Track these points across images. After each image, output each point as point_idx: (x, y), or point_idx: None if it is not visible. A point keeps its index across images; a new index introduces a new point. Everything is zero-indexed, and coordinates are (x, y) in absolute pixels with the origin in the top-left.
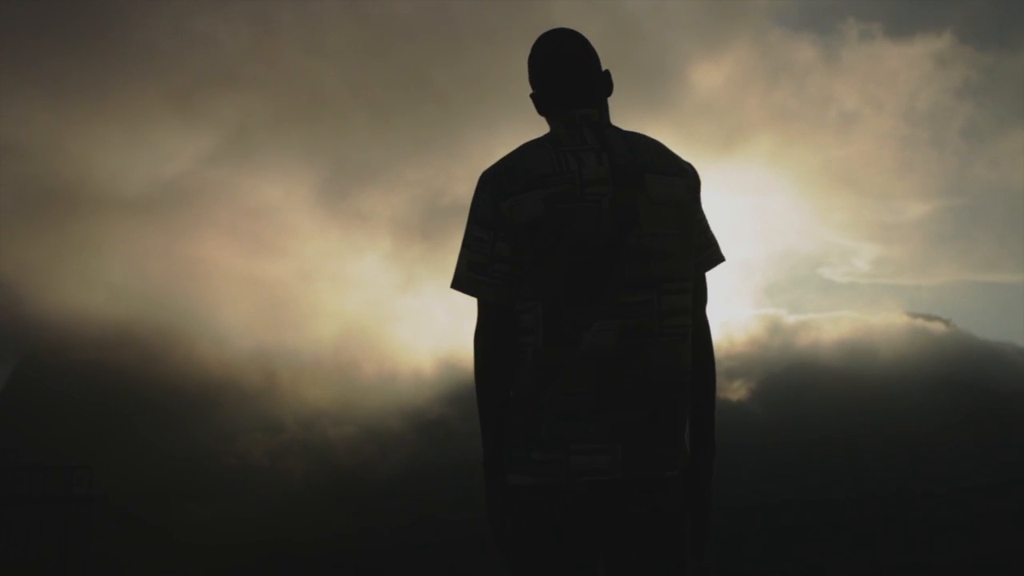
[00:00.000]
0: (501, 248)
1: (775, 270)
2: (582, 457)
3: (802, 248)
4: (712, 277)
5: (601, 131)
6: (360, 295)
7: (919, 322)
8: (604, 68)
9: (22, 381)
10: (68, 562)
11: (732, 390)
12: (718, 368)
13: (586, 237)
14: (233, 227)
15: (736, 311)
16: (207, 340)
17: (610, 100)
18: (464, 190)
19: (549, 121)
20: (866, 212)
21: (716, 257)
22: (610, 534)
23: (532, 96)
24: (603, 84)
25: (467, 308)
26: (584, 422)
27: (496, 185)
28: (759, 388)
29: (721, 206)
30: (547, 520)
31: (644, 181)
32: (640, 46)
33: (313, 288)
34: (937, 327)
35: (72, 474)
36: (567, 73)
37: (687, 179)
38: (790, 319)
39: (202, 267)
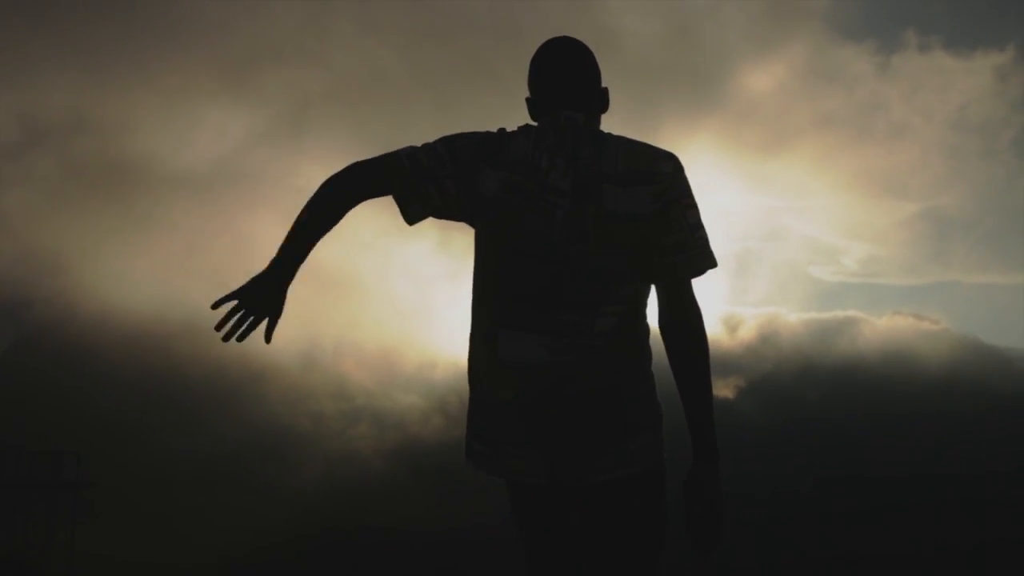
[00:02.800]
0: (446, 181)
1: (833, 271)
2: (511, 460)
3: (845, 251)
4: (764, 275)
5: (579, 137)
6: (407, 282)
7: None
8: (604, 85)
9: (18, 363)
10: (54, 546)
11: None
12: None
13: (532, 241)
14: (282, 206)
15: (786, 310)
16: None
17: (656, 104)
18: None
19: (538, 122)
20: (904, 217)
21: (701, 260)
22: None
23: (527, 100)
24: (599, 99)
25: None
26: (508, 425)
27: (483, 149)
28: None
29: (762, 207)
30: (512, 497)
31: (601, 193)
32: (694, 46)
33: (360, 273)
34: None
35: (60, 459)
36: (562, 76)
37: (657, 185)
38: (843, 316)
39: (249, 245)
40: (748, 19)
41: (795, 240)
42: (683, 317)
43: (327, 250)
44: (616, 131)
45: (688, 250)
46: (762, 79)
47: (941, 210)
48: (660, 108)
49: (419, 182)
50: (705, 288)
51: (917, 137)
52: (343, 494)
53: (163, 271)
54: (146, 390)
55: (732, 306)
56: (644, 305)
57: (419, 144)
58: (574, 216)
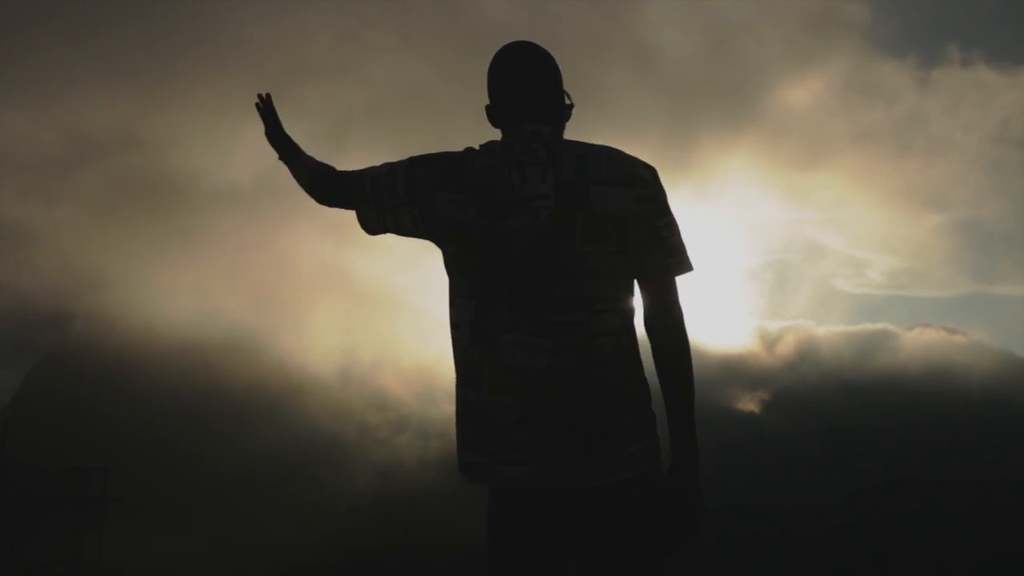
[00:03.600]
0: (401, 210)
1: (859, 283)
2: (506, 467)
3: (882, 265)
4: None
5: (552, 145)
6: (444, 299)
7: None
8: (566, 90)
9: (40, 384)
10: (81, 562)
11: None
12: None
13: (519, 247)
14: (322, 220)
15: (815, 322)
16: (292, 336)
17: (694, 118)
18: None
19: (502, 134)
20: (938, 229)
21: (680, 265)
22: (560, 537)
23: (487, 107)
24: (562, 106)
25: None
26: (507, 432)
27: (440, 175)
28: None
29: (797, 221)
30: (495, 511)
31: (589, 194)
32: (732, 61)
33: (398, 287)
34: None
35: (87, 475)
36: (524, 86)
37: (640, 188)
38: (892, 329)
39: (291, 260)
40: (787, 34)
41: (830, 254)
42: (669, 317)
43: (365, 267)
44: (656, 146)
45: (673, 254)
46: (800, 93)
47: (979, 223)
48: (697, 122)
49: (377, 211)
50: (739, 300)
51: (957, 151)
52: (379, 511)
53: (204, 285)
54: (184, 406)
55: (767, 319)
56: (634, 307)
57: (394, 160)
58: (558, 215)
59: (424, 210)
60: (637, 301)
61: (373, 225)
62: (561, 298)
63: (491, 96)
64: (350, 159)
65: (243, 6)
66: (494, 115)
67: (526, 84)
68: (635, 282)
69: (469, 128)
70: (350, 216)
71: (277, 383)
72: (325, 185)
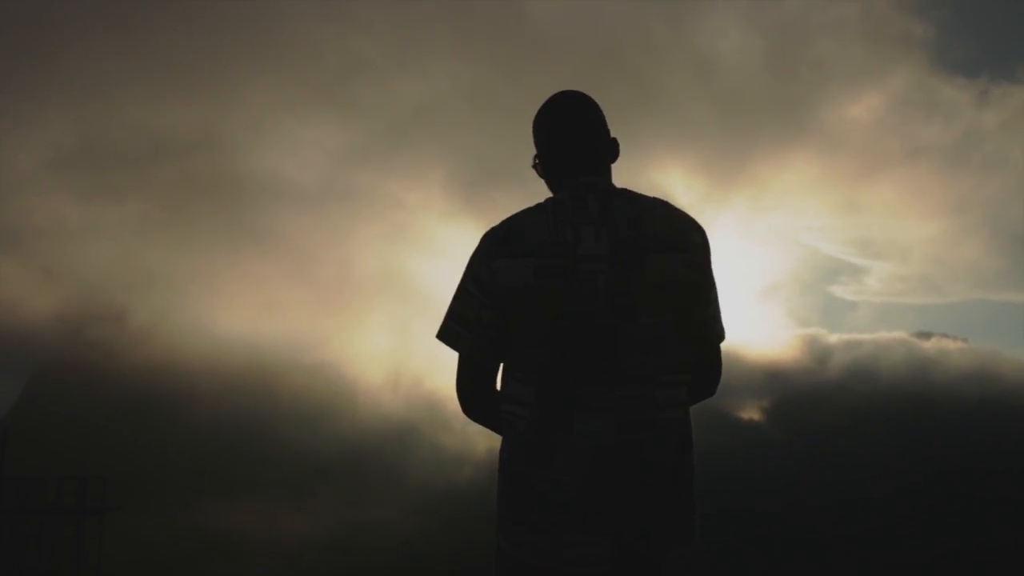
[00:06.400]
0: (485, 310)
1: (917, 293)
2: (573, 550)
3: (939, 275)
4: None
5: (606, 200)
6: None
7: None
8: (612, 136)
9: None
10: (81, 572)
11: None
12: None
13: (579, 316)
14: (384, 220)
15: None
16: (347, 339)
17: (750, 129)
18: None
19: (551, 187)
20: (994, 247)
21: (723, 333)
22: None
23: (536, 160)
24: (609, 150)
25: None
26: (575, 512)
27: (492, 245)
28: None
29: (853, 234)
30: None
31: (643, 262)
32: (792, 69)
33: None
34: None
35: (86, 485)
36: (574, 138)
37: (691, 254)
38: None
39: (353, 262)
40: (848, 48)
41: (878, 270)
42: (715, 381)
43: (424, 271)
44: (712, 154)
45: (718, 320)
46: (857, 108)
47: None
48: (754, 133)
49: (485, 335)
50: (790, 311)
51: (1015, 169)
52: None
53: (266, 286)
54: (233, 408)
55: (844, 333)
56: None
57: (448, 307)
58: (616, 283)
59: (485, 288)
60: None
61: (484, 346)
62: (629, 371)
63: (540, 150)
64: (406, 158)
65: (302, 3)
66: (546, 169)
67: (577, 135)
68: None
69: (527, 129)
70: (412, 220)
71: (327, 387)
72: (482, 402)
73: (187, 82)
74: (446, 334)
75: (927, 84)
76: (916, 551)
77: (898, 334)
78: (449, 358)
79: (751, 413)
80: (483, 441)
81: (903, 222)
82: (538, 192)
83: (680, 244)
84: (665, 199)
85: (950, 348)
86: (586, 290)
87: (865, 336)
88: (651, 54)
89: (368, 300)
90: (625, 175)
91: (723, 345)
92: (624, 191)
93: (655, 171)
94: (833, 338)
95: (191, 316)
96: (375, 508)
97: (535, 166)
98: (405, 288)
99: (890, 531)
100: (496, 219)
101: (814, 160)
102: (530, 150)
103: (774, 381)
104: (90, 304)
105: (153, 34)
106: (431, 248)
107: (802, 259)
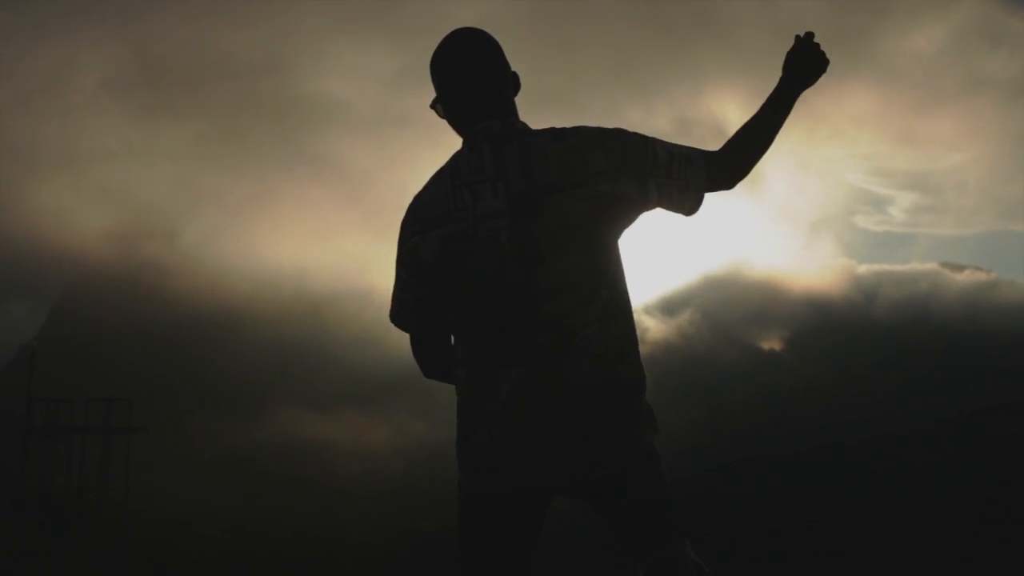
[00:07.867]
0: (419, 289)
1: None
2: (520, 473)
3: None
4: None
5: (500, 149)
6: None
7: None
8: (513, 70)
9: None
10: (108, 489)
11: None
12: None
13: (487, 276)
14: (442, 150)
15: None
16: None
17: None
18: None
19: (455, 129)
20: None
21: (694, 200)
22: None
23: (435, 102)
24: (510, 86)
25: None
26: (518, 458)
27: (405, 226)
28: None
29: (910, 168)
30: (488, 512)
31: (542, 207)
32: (847, 5)
33: None
34: None
35: (112, 406)
36: (473, 79)
37: (592, 182)
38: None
39: (409, 190)
40: None
41: (900, 200)
42: (728, 185)
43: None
44: (765, 87)
45: (685, 191)
46: (918, 40)
47: None
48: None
49: (425, 312)
50: (840, 242)
51: None
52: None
53: (321, 212)
54: (269, 334)
55: (877, 264)
56: (622, 298)
57: (392, 291)
58: (519, 236)
59: (410, 268)
60: (618, 275)
61: (426, 322)
62: (543, 320)
63: (439, 92)
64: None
65: None
66: (447, 112)
67: (477, 76)
68: (613, 259)
69: (584, 51)
70: None
71: (381, 312)
72: (432, 356)
73: (245, 3)
74: (395, 318)
75: (991, 16)
76: (959, 488)
77: (930, 265)
78: None
79: (772, 344)
80: None
81: (962, 154)
82: (582, 119)
83: (573, 179)
84: (570, 125)
85: (982, 280)
86: (491, 248)
87: (896, 267)
88: (714, 25)
89: None
90: (680, 103)
91: (761, 275)
92: (520, 132)
93: (711, 99)
94: (863, 268)
95: (242, 238)
96: (443, 427)
97: (434, 107)
98: None
99: (926, 468)
100: None
101: (872, 92)
102: (584, 72)
103: (812, 312)
104: (142, 223)
105: None
106: None
107: (840, 190)
